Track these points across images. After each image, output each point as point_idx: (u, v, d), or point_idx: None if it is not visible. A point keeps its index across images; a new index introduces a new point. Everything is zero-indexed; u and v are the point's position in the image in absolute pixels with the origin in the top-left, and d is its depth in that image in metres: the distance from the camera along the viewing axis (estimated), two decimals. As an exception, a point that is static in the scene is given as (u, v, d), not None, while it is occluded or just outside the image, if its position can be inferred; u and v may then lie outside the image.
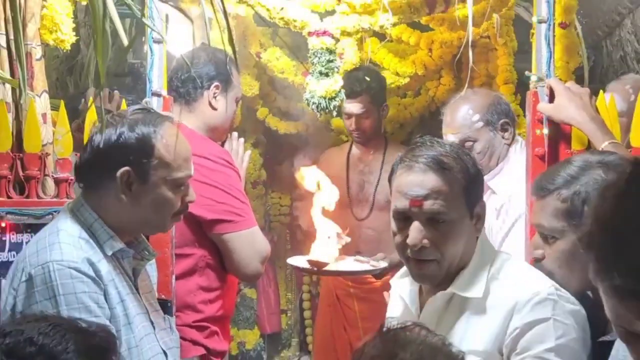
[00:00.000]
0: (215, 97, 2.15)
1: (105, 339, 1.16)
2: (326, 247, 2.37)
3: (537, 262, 1.47)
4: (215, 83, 2.14)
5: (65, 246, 1.43)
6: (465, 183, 1.43)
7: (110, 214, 1.50)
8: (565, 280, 1.41)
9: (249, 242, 2.03)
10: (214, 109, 2.15)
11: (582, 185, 1.38)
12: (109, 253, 1.48)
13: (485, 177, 1.88)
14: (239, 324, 3.38)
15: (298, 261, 2.38)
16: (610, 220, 0.84)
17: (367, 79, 2.83)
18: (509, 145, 2.30)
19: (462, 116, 2.27)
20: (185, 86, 2.11)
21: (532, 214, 1.50)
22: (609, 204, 0.85)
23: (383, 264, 2.44)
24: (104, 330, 1.18)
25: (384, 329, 1.15)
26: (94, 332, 1.14)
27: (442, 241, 1.41)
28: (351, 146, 3.09)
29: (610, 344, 1.22)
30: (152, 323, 1.54)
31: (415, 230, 1.40)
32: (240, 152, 2.26)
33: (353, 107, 2.84)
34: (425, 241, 1.40)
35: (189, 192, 1.58)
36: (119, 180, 1.47)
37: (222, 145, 2.25)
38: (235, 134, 2.31)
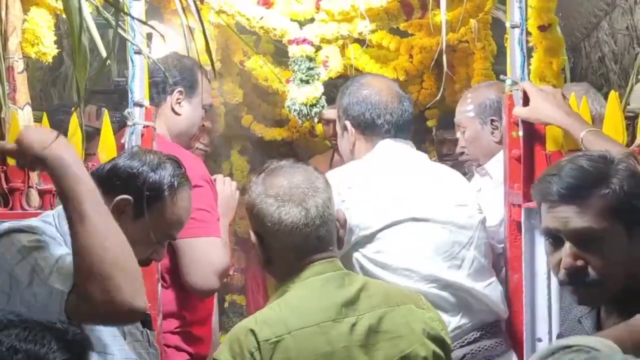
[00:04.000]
0: (178, 103, 2.16)
1: (79, 334, 1.17)
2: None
3: (577, 272, 1.30)
4: (178, 89, 2.15)
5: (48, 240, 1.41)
6: None
7: None
8: (615, 279, 1.30)
9: (202, 251, 1.93)
10: (177, 114, 2.16)
11: (619, 180, 1.29)
12: None
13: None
14: (228, 330, 3.39)
15: None
16: None
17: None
18: (499, 143, 2.23)
19: (462, 103, 2.40)
20: (149, 92, 2.12)
21: (557, 222, 1.32)
22: None
23: None
24: (71, 324, 1.18)
25: None
26: (66, 328, 1.14)
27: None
28: (333, 153, 3.08)
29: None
30: (123, 332, 1.52)
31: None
32: (233, 190, 2.20)
33: (329, 112, 2.81)
34: None
35: (159, 252, 1.56)
36: (114, 203, 1.46)
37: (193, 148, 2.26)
38: (228, 179, 2.24)
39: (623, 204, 1.28)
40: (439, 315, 1.56)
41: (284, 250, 1.47)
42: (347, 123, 1.97)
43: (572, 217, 1.29)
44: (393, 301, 1.50)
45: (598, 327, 1.34)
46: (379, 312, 1.46)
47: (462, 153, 2.45)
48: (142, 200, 1.47)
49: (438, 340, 1.50)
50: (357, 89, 1.99)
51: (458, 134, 2.45)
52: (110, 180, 1.49)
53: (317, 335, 1.40)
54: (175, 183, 1.51)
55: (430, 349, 1.47)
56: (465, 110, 2.36)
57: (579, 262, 1.28)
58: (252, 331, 1.38)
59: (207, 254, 1.95)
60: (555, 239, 1.31)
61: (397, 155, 1.96)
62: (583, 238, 1.29)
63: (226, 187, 2.19)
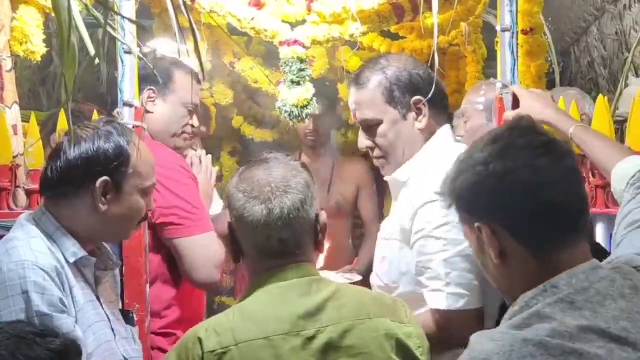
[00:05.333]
0: (152, 101, 2.16)
1: (68, 339, 1.16)
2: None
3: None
4: (149, 87, 2.14)
5: (36, 252, 1.44)
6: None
7: (78, 224, 1.51)
8: None
9: (202, 248, 2.01)
10: (149, 112, 2.15)
11: None
12: (71, 261, 1.49)
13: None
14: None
15: None
16: None
17: (327, 83, 2.85)
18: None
19: (473, 93, 2.37)
20: None
21: None
22: None
23: (357, 277, 2.45)
24: (50, 329, 1.17)
25: None
26: (55, 334, 1.14)
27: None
28: (300, 157, 3.08)
29: None
30: (113, 331, 1.54)
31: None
32: (209, 167, 2.26)
33: None
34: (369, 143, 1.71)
35: (151, 203, 1.62)
36: (98, 191, 1.49)
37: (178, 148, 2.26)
38: (202, 151, 2.30)
39: None
40: (420, 331, 1.42)
41: (248, 246, 1.41)
42: (418, 99, 1.71)
43: None
44: (365, 313, 1.38)
45: None
46: (344, 325, 1.35)
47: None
48: (116, 172, 1.50)
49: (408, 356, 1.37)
50: (411, 64, 1.76)
51: (455, 121, 2.39)
52: (77, 174, 1.49)
53: (265, 348, 1.31)
54: (128, 137, 1.54)
55: None
56: (476, 102, 2.31)
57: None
58: (200, 340, 1.33)
59: (207, 249, 2.01)
60: None
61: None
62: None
63: (202, 175, 2.24)
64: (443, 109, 1.80)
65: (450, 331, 1.58)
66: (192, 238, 2.00)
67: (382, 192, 3.17)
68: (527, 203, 1.07)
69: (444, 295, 1.58)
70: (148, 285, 1.92)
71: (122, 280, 1.85)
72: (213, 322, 1.39)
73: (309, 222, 1.40)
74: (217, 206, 2.75)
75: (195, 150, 2.36)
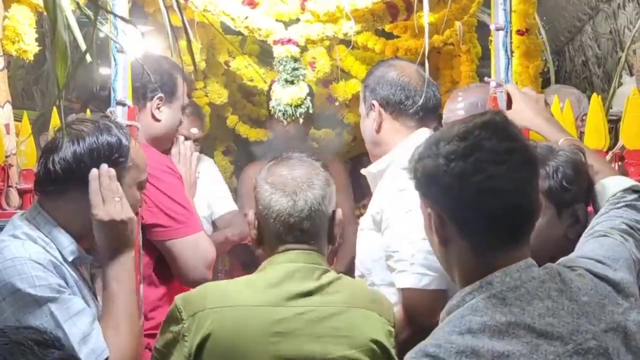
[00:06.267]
0: (158, 109, 2.16)
1: (67, 355, 1.15)
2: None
3: None
4: (159, 95, 2.14)
5: (29, 249, 1.44)
6: None
7: (76, 219, 1.52)
8: (537, 256, 1.43)
9: (193, 248, 2.02)
10: (157, 120, 2.16)
11: (556, 163, 1.52)
12: (70, 259, 1.49)
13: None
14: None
15: None
16: None
17: None
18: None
19: (452, 101, 2.41)
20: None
21: None
22: None
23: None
24: (57, 340, 1.17)
25: None
26: (51, 339, 1.13)
27: None
28: None
29: None
30: None
31: None
32: (188, 155, 2.29)
33: None
34: None
35: (140, 199, 1.66)
36: None
37: (169, 150, 2.27)
38: (181, 137, 2.32)
39: (555, 186, 1.48)
40: (393, 331, 1.55)
41: (269, 234, 1.56)
42: (375, 103, 1.93)
43: None
44: (355, 303, 1.52)
45: None
46: (333, 309, 1.49)
47: None
48: (117, 165, 1.53)
49: (384, 353, 1.51)
50: (385, 69, 1.97)
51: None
52: (84, 167, 1.50)
53: (257, 313, 1.46)
54: (125, 131, 1.58)
55: (376, 352, 1.49)
56: (456, 109, 2.34)
57: None
58: (180, 301, 1.51)
59: (198, 250, 2.03)
60: None
61: None
62: None
63: (182, 165, 2.27)
64: (414, 114, 1.92)
65: (414, 310, 1.67)
66: (183, 239, 2.00)
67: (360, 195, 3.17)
68: (475, 205, 1.13)
69: (409, 274, 1.69)
70: (142, 285, 1.92)
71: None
72: (207, 287, 1.59)
73: (327, 216, 1.57)
74: (228, 205, 2.74)
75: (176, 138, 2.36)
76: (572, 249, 1.46)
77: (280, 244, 1.55)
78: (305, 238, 1.54)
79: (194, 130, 2.74)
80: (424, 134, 1.90)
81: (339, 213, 1.61)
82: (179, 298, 1.53)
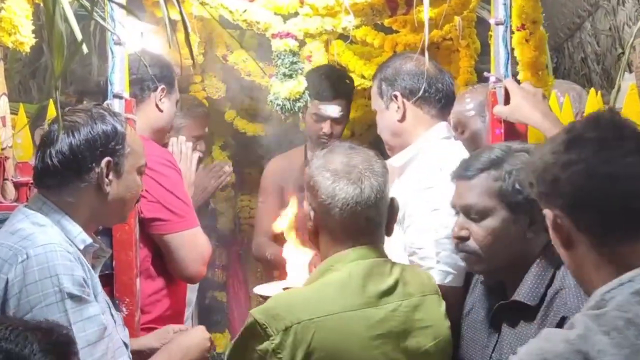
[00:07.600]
0: (161, 100, 2.18)
1: (64, 334, 1.15)
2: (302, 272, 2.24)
3: (462, 241, 1.56)
4: (162, 86, 2.17)
5: (55, 236, 1.45)
6: None
7: (80, 209, 1.51)
8: (492, 255, 1.53)
9: (190, 243, 2.03)
10: (160, 110, 2.18)
11: (511, 166, 1.51)
12: (81, 247, 1.49)
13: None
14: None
15: (271, 290, 1.93)
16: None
17: (347, 81, 2.80)
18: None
19: (460, 103, 2.36)
20: (131, 88, 2.09)
21: (456, 196, 1.57)
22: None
23: None
24: (57, 326, 1.17)
25: None
26: (51, 328, 1.13)
27: None
28: (306, 152, 2.91)
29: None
30: (112, 317, 1.56)
31: None
32: (189, 154, 2.30)
33: (332, 110, 2.72)
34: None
35: (142, 181, 1.65)
36: (103, 171, 1.51)
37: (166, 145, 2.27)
38: (182, 137, 2.34)
39: (508, 187, 1.47)
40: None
41: (333, 224, 1.48)
42: (397, 94, 1.91)
43: (463, 193, 1.53)
44: (425, 290, 1.55)
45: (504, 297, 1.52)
46: (414, 300, 1.50)
47: None
48: (116, 152, 1.53)
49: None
50: (402, 61, 1.97)
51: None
52: (82, 157, 1.50)
53: (349, 320, 1.42)
54: (119, 118, 1.58)
55: (450, 337, 1.55)
56: (465, 110, 2.35)
57: (463, 232, 1.53)
58: (260, 315, 1.40)
59: (195, 245, 2.04)
60: (458, 212, 1.55)
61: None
62: (468, 212, 1.52)
63: (182, 164, 2.27)
64: (437, 102, 1.94)
65: None
66: (181, 234, 2.02)
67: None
68: (595, 193, 1.09)
69: (435, 271, 1.69)
70: (138, 280, 1.91)
71: (112, 274, 1.84)
72: (295, 294, 1.50)
73: (387, 204, 1.53)
74: None
75: (177, 138, 2.37)
76: (533, 249, 1.47)
77: (345, 236, 1.48)
78: (371, 228, 1.49)
79: (205, 130, 2.77)
80: (443, 127, 1.93)
81: (396, 202, 1.56)
82: (257, 312, 1.40)
